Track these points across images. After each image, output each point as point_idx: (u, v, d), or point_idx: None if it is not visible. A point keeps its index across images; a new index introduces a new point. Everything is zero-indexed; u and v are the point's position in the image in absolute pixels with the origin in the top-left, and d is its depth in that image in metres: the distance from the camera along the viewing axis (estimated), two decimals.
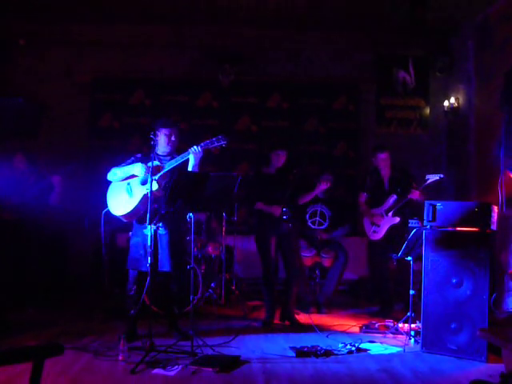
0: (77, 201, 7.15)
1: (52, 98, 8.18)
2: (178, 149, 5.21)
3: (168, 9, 7.64)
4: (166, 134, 5.12)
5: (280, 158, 5.98)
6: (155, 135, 5.10)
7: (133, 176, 5.05)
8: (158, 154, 5.16)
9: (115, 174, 5.12)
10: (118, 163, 5.20)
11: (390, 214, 6.38)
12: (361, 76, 8.55)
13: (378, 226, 6.47)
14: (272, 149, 6.03)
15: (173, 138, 5.12)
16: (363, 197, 6.72)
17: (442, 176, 6.00)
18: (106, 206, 5.16)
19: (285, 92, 8.54)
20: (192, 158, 4.91)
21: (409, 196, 6.20)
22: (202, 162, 5.01)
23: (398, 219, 6.35)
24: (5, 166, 6.57)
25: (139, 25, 8.06)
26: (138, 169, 4.98)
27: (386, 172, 6.58)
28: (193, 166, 4.95)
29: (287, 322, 5.92)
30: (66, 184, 6.55)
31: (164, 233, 5.04)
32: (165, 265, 5.00)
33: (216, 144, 4.92)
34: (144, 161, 5.07)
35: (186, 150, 4.96)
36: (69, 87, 8.26)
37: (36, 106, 8.07)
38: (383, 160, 6.53)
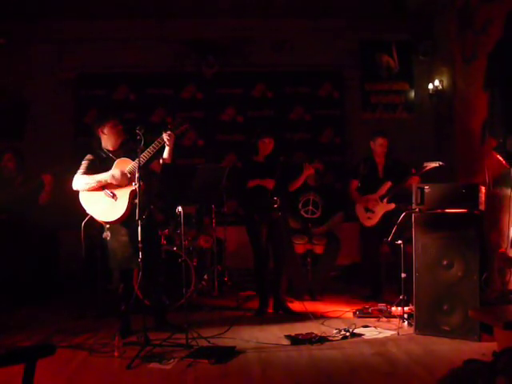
0: (65, 199, 7.11)
1: (36, 97, 8.13)
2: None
3: (149, 2, 7.60)
4: (112, 127, 5.02)
5: (267, 146, 5.96)
6: (101, 132, 5.06)
7: (109, 185, 4.93)
8: (109, 151, 5.07)
9: (86, 184, 4.92)
10: None
11: (385, 200, 6.37)
12: (345, 62, 8.53)
13: (373, 212, 6.45)
14: (258, 137, 6.02)
15: (120, 127, 5.00)
16: (354, 184, 6.68)
17: (441, 163, 5.90)
18: (85, 216, 5.07)
19: (269, 81, 8.52)
20: (167, 148, 4.88)
21: (408, 182, 6.07)
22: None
23: (393, 205, 6.33)
24: None
25: (121, 19, 8.02)
26: (115, 177, 4.86)
27: (380, 159, 6.55)
28: (169, 152, 4.94)
29: (281, 311, 5.94)
30: (56, 183, 6.49)
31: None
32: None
33: (182, 128, 4.90)
34: (97, 161, 5.00)
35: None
36: (52, 85, 8.20)
37: (21, 106, 8.00)
38: (381, 145, 6.49)
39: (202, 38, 8.25)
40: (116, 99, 8.35)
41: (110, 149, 5.08)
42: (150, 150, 4.82)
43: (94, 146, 5.11)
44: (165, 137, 4.84)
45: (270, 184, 5.82)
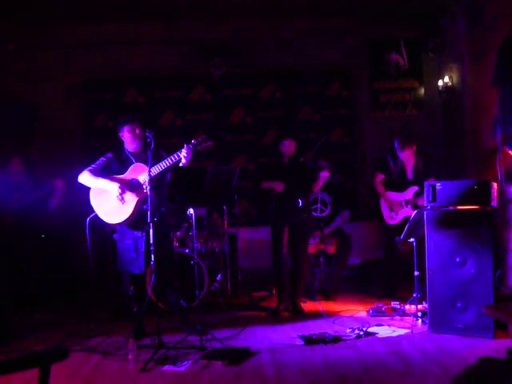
0: (76, 202, 7.15)
1: (45, 102, 8.14)
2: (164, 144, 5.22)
3: (155, 4, 7.61)
4: (129, 131, 5.09)
5: (287, 148, 6.00)
6: (120, 135, 5.15)
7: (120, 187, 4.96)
8: (130, 152, 5.14)
9: (88, 181, 5.02)
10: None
11: (410, 206, 6.32)
12: (353, 61, 8.50)
13: (396, 213, 6.43)
14: (277, 142, 6.10)
15: (137, 132, 5.05)
16: (379, 177, 6.58)
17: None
18: (92, 212, 5.09)
19: (278, 82, 8.52)
20: (184, 160, 4.88)
21: (417, 202, 6.15)
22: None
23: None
24: (1, 170, 6.56)
25: (127, 23, 8.03)
26: (113, 188, 4.92)
27: (409, 161, 6.41)
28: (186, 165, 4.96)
29: (293, 312, 5.93)
30: (68, 189, 6.51)
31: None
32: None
33: (204, 145, 4.91)
34: (115, 160, 5.09)
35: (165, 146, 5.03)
36: (61, 89, 8.22)
37: (30, 111, 8.05)
38: (403, 157, 6.39)
39: (209, 39, 8.25)
40: (125, 103, 8.38)
41: (131, 151, 5.15)
42: (167, 162, 4.85)
43: (118, 146, 5.23)
44: (183, 152, 4.84)
45: (278, 187, 5.83)
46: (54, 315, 6.22)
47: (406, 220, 6.25)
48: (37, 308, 6.35)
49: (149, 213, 4.57)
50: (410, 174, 6.44)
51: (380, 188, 6.59)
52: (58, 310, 6.44)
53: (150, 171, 4.67)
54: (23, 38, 7.95)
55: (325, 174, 6.01)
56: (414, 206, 6.26)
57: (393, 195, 6.47)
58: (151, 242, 4.61)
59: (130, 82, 8.42)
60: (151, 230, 4.61)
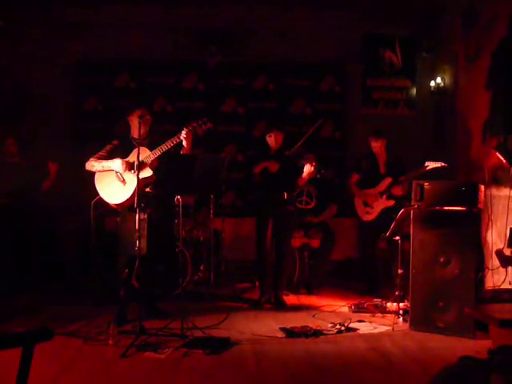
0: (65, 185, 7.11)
1: (36, 81, 8.04)
2: (160, 130, 5.20)
3: None
4: (138, 116, 5.07)
5: (273, 140, 5.98)
6: (130, 120, 5.18)
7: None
8: (134, 139, 5.13)
9: (93, 167, 5.08)
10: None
11: (385, 196, 6.39)
12: (347, 56, 8.49)
13: (372, 207, 6.48)
14: (264, 133, 6.11)
15: (145, 118, 5.07)
16: (354, 178, 6.72)
17: (443, 164, 5.91)
18: (94, 192, 5.10)
19: (271, 73, 8.48)
20: (185, 142, 4.90)
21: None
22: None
23: (392, 202, 6.35)
24: None
25: (124, 5, 7.96)
26: (116, 165, 4.96)
27: (381, 155, 6.58)
28: (188, 148, 4.96)
29: (276, 304, 5.93)
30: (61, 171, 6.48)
31: (155, 217, 5.04)
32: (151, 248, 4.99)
33: (204, 127, 4.93)
34: (122, 147, 5.10)
35: (165, 131, 4.98)
36: (52, 70, 8.11)
37: (20, 89, 7.96)
38: (375, 147, 6.55)
39: (205, 26, 8.19)
40: (116, 86, 8.31)
41: (136, 137, 5.12)
42: (168, 144, 4.88)
43: (125, 131, 5.25)
44: (183, 133, 4.86)
45: (273, 166, 5.83)
46: (41, 298, 6.14)
47: (383, 212, 6.33)
48: (22, 291, 6.27)
49: (136, 198, 4.55)
50: (382, 169, 6.57)
51: (354, 188, 6.71)
52: (44, 294, 6.35)
53: (138, 158, 4.65)
54: (16, 16, 7.82)
55: (308, 170, 5.79)
56: (389, 196, 6.33)
57: (367, 190, 6.54)
58: (136, 227, 4.60)
59: (122, 65, 8.33)
60: (137, 216, 4.59)
